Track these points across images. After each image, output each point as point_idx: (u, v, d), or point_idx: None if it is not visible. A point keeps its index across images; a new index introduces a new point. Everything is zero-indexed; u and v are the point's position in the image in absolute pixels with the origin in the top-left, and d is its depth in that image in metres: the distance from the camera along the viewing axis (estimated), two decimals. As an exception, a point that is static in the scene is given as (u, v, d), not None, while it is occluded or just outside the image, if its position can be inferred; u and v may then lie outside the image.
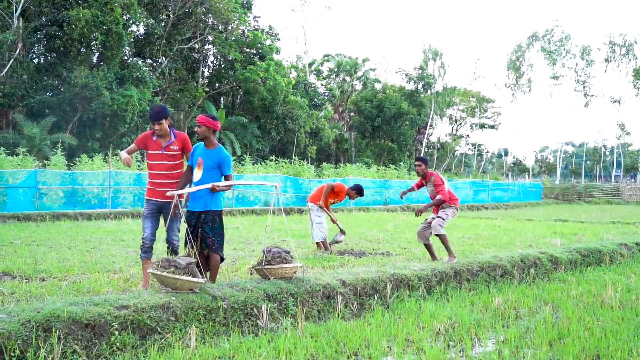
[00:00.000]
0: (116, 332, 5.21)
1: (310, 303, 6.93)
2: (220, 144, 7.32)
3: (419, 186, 10.44)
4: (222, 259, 7.32)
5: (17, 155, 23.71)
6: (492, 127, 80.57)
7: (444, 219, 9.81)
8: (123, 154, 7.24)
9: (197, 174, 7.18)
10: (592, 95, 69.23)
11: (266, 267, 7.10)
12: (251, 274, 7.52)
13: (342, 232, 12.43)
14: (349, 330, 6.13)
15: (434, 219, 9.97)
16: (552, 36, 68.32)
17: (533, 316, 7.05)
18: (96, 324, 5.16)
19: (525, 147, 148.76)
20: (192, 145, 7.45)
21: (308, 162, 46.24)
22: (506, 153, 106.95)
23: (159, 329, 5.51)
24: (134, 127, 35.01)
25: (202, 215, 7.11)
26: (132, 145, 7.48)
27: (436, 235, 9.79)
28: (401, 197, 10.64)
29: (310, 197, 12.27)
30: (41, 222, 18.10)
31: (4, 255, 10.23)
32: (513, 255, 10.19)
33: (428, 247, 10.06)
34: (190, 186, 7.25)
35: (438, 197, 9.82)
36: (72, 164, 25.22)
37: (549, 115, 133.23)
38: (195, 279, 6.06)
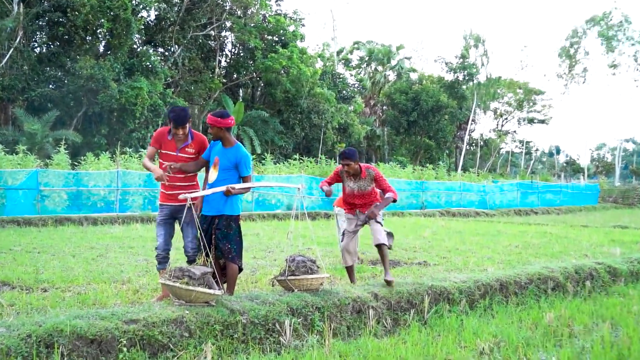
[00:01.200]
0: (124, 349, 5.23)
1: (339, 318, 6.91)
2: (238, 142, 7.32)
3: (332, 183, 8.70)
4: (240, 269, 7.33)
5: (16, 153, 23.94)
6: (542, 122, 79.86)
7: (382, 225, 8.47)
8: (154, 168, 7.18)
9: (213, 175, 7.20)
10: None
11: (289, 277, 7.09)
12: (273, 285, 7.52)
13: (387, 233, 12.14)
14: (381, 349, 6.10)
15: (363, 224, 8.58)
16: (610, 19, 67.55)
17: (589, 334, 6.97)
18: (103, 340, 5.20)
19: (579, 144, 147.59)
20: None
21: (336, 161, 46.23)
22: (558, 151, 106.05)
23: (171, 345, 5.53)
24: (143, 122, 35.27)
25: (215, 220, 7.14)
26: (150, 149, 7.47)
27: (378, 245, 8.17)
28: (321, 189, 8.70)
29: (338, 201, 12.11)
30: (43, 227, 18.29)
31: (3, 264, 10.35)
32: (566, 266, 10.08)
33: (351, 268, 8.67)
34: (205, 187, 7.27)
35: (388, 195, 8.38)
36: (76, 164, 25.48)
37: (607, 109, 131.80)
38: (211, 291, 6.06)
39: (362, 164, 8.44)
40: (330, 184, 8.62)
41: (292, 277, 7.09)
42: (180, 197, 6.70)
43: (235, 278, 7.25)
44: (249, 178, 7.22)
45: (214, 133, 7.12)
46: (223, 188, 6.86)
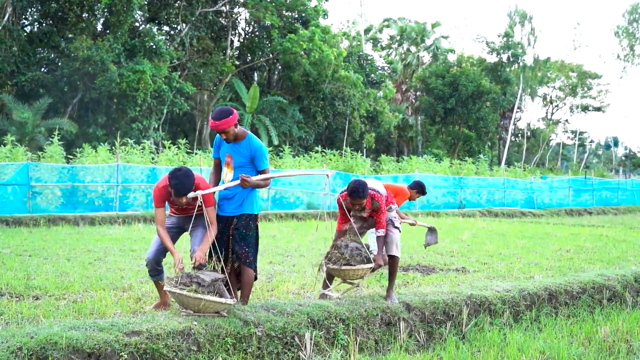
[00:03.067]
0: (125, 364, 5.29)
1: (366, 331, 6.94)
2: (249, 132, 7.31)
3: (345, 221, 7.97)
4: (255, 277, 7.36)
5: (4, 145, 24.10)
6: (597, 109, 79.29)
7: (400, 230, 8.28)
8: (173, 252, 6.96)
9: (228, 175, 7.21)
10: None
11: (344, 268, 7.26)
12: (318, 271, 7.63)
13: (431, 229, 12.16)
14: (414, 366, 6.12)
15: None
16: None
17: (650, 351, 6.94)
18: (101, 354, 5.25)
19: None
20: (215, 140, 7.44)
21: (363, 154, 46.17)
22: (616, 143, 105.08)
23: (177, 360, 5.57)
24: (146, 110, 35.38)
25: (233, 220, 7.16)
26: (159, 213, 7.14)
27: (389, 256, 7.95)
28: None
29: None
30: (34, 228, 18.44)
31: (-10, 268, 10.46)
32: (625, 274, 10.03)
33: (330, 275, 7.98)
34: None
35: (380, 232, 7.75)
36: (71, 156, 25.61)
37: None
38: (222, 300, 6.09)
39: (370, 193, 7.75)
40: (344, 223, 7.96)
41: (347, 268, 7.25)
42: (190, 195, 6.68)
43: (251, 285, 7.27)
44: (267, 171, 7.21)
45: (230, 135, 7.03)
46: (237, 182, 6.86)
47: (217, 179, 7.36)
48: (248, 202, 7.15)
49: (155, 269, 7.39)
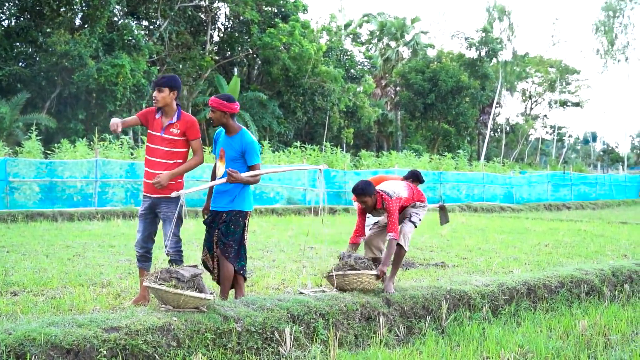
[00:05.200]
0: (104, 360, 5.27)
1: (346, 326, 6.94)
2: (243, 127, 7.38)
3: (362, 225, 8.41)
4: (244, 278, 7.51)
5: (-19, 140, 23.99)
6: (576, 104, 79.77)
7: (416, 226, 8.37)
8: (114, 119, 7.16)
9: (220, 168, 7.30)
10: None
11: (349, 272, 7.35)
12: (321, 280, 7.88)
13: (441, 207, 11.66)
14: (393, 361, 6.13)
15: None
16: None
17: (628, 345, 6.98)
18: (80, 350, 5.22)
19: (618, 130, 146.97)
20: (200, 131, 7.49)
21: (342, 150, 46.19)
22: (594, 138, 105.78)
23: (157, 356, 5.55)
24: (125, 104, 35.29)
25: (223, 215, 7.23)
26: (132, 117, 7.50)
27: (396, 245, 8.00)
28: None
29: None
30: (12, 224, 18.34)
31: (-33, 264, 10.39)
32: (603, 268, 10.09)
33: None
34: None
35: (391, 235, 7.79)
36: (50, 152, 25.48)
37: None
38: (202, 295, 6.08)
39: (378, 193, 7.99)
40: (359, 236, 8.28)
41: (352, 272, 7.35)
42: (173, 194, 6.75)
43: (229, 280, 7.30)
44: (257, 167, 7.27)
45: (216, 118, 7.16)
46: (223, 180, 6.96)
47: (214, 177, 7.46)
48: (239, 198, 7.21)
49: (144, 255, 7.47)
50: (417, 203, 8.30)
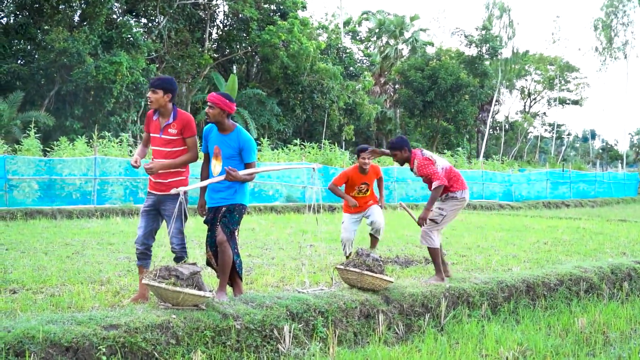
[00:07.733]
0: (104, 357, 5.27)
1: (345, 324, 6.95)
2: (238, 125, 7.37)
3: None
4: (240, 278, 7.53)
5: (-21, 138, 23.95)
6: (575, 102, 79.74)
7: (438, 222, 8.66)
8: (133, 157, 7.41)
9: (216, 167, 7.28)
10: None
11: (366, 272, 7.39)
12: (333, 270, 7.91)
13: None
14: (392, 358, 6.14)
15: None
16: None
17: (627, 342, 7.00)
18: (79, 347, 5.23)
19: (617, 128, 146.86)
20: (199, 129, 7.50)
21: (342, 147, 46.12)
22: (593, 136, 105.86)
23: (156, 353, 5.56)
24: (123, 102, 35.21)
25: (222, 209, 7.22)
26: (144, 134, 7.62)
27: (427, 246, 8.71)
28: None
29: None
30: (11, 221, 18.34)
31: (-34, 262, 10.39)
32: (601, 266, 10.10)
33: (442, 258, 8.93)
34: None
35: (435, 184, 8.40)
36: (48, 149, 25.49)
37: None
38: (201, 293, 6.08)
39: (413, 150, 8.77)
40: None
41: (370, 274, 7.40)
42: (173, 192, 6.77)
43: (229, 266, 7.21)
44: (254, 164, 7.27)
45: (214, 115, 7.12)
46: (221, 178, 6.97)
47: (206, 171, 7.43)
48: (240, 193, 7.22)
49: (144, 253, 7.46)
50: (448, 194, 8.63)
